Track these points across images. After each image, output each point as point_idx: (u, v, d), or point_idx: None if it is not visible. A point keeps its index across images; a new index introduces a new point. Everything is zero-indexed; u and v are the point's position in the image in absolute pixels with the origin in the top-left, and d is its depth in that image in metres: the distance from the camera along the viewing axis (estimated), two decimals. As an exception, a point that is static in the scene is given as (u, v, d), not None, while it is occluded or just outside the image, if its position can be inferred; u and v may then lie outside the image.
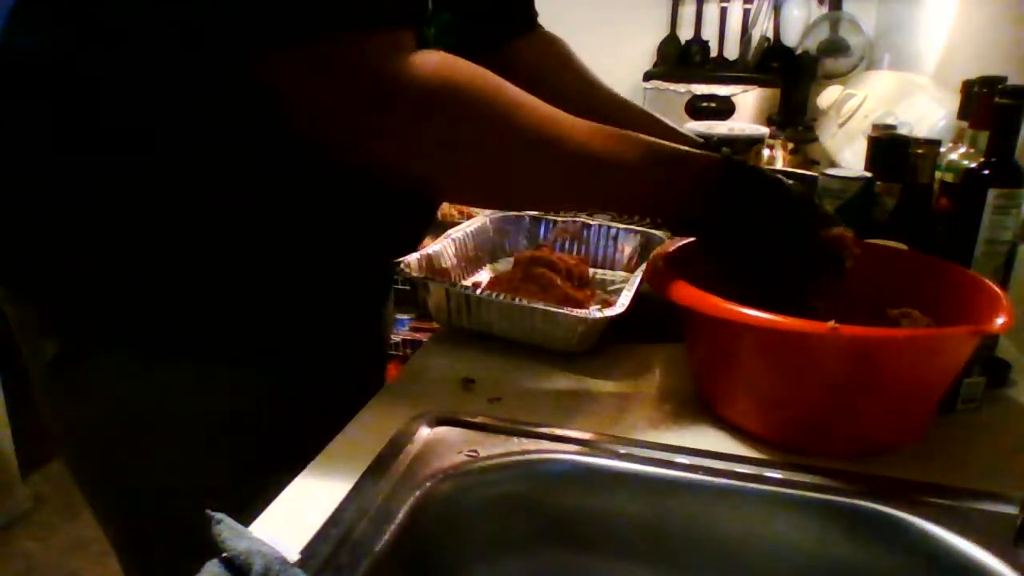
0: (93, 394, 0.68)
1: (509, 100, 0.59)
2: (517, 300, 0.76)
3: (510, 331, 0.78)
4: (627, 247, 1.02)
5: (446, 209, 2.29)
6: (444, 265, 0.88)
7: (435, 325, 0.84)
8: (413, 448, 0.60)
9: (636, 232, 1.03)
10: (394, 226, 0.76)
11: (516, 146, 0.60)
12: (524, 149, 0.60)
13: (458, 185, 0.64)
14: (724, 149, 0.72)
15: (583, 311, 0.76)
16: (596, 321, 0.75)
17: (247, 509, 0.56)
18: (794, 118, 1.90)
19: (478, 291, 0.78)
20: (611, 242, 1.03)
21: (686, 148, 0.65)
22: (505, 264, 0.98)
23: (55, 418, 0.73)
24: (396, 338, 2.35)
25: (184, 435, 0.69)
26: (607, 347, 0.80)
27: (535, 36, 0.92)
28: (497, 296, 0.77)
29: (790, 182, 0.66)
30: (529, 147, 0.60)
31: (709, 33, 2.21)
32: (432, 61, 0.56)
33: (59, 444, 0.73)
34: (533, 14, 0.92)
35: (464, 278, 0.92)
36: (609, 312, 0.75)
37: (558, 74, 0.89)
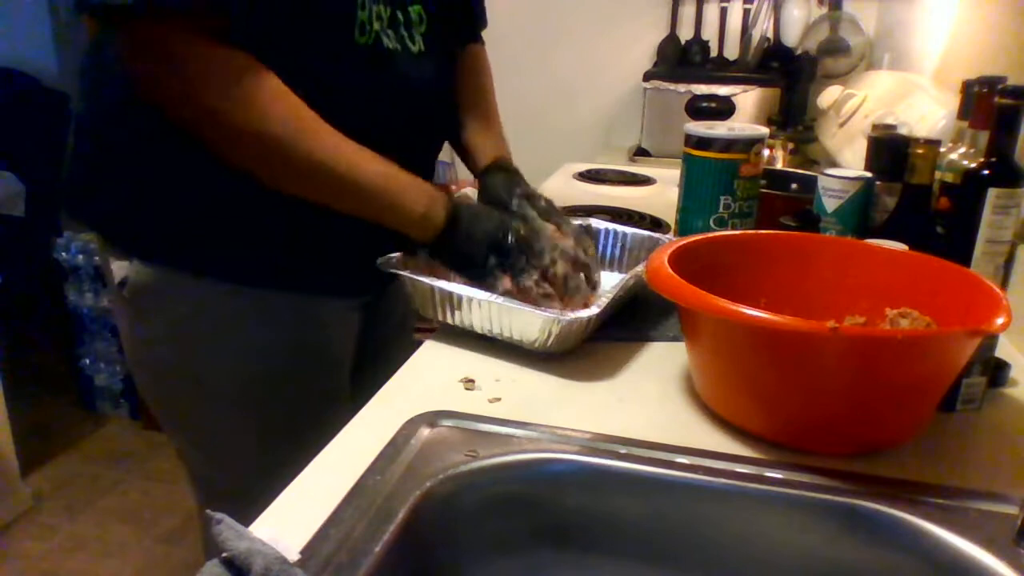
0: (160, 316, 0.82)
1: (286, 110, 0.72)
2: (495, 298, 0.76)
3: (491, 329, 0.78)
4: (631, 247, 1.01)
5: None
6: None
7: (435, 325, 0.84)
8: (413, 448, 0.60)
9: (639, 232, 1.02)
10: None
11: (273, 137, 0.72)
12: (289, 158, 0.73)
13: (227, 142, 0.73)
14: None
15: (555, 312, 0.75)
16: (570, 322, 0.74)
17: (298, 434, 0.71)
18: (794, 118, 1.90)
19: (463, 289, 0.78)
20: (616, 242, 1.02)
21: (416, 201, 0.79)
22: None
23: (126, 334, 0.87)
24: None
25: (241, 354, 0.82)
26: (607, 347, 0.80)
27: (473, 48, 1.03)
28: (478, 294, 0.77)
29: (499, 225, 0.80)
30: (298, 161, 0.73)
31: (709, 33, 2.21)
32: (231, 52, 0.69)
33: (129, 362, 0.90)
34: (477, 27, 1.04)
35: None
36: (581, 314, 0.74)
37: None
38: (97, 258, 0.90)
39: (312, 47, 0.74)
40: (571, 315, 0.74)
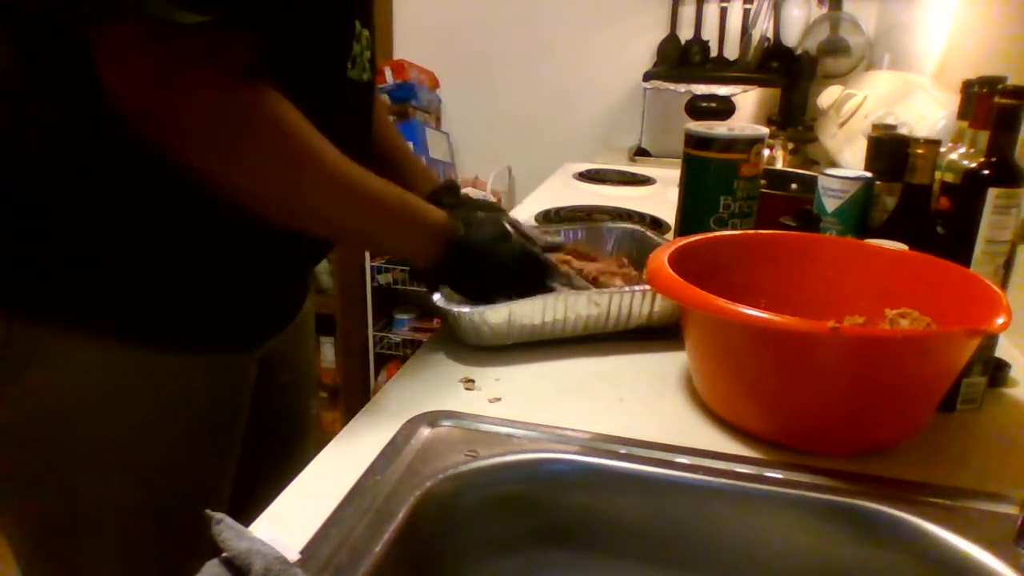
0: (36, 377, 0.68)
1: (310, 139, 0.64)
2: (438, 298, 0.79)
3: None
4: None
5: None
6: None
7: (435, 325, 0.84)
8: (413, 448, 0.61)
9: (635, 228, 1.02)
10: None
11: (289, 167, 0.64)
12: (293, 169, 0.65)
13: (227, 179, 0.63)
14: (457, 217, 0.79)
15: (457, 307, 0.77)
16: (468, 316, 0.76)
17: (188, 495, 0.66)
18: (794, 118, 1.89)
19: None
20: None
21: (424, 209, 0.76)
22: None
23: None
24: (396, 338, 2.35)
25: (125, 417, 0.70)
26: (607, 347, 0.80)
27: None
28: (435, 293, 0.80)
29: (509, 238, 0.79)
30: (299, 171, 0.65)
31: (709, 33, 2.21)
32: (253, 87, 0.60)
33: None
34: None
35: None
36: (452, 306, 0.76)
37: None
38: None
39: (307, 79, 0.66)
40: (442, 302, 0.78)
